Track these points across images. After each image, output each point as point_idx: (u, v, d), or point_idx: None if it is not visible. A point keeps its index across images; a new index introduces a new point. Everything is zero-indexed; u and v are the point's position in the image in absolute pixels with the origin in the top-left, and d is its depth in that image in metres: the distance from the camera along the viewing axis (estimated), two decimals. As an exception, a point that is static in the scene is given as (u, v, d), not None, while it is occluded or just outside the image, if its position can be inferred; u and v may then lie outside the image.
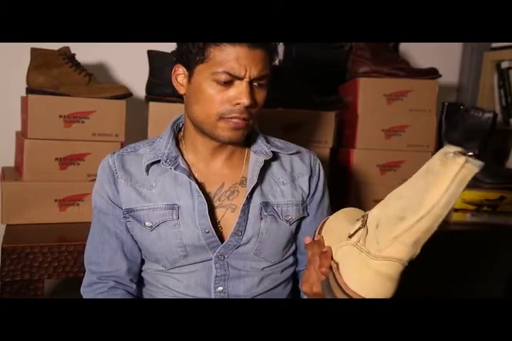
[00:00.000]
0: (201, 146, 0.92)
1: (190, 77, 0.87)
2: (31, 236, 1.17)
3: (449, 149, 0.60)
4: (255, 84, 0.85)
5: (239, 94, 0.83)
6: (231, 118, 0.84)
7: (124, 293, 0.92)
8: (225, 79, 0.82)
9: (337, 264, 0.70)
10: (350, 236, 0.70)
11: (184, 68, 0.88)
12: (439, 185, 0.59)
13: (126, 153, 0.95)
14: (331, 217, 0.82)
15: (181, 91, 0.90)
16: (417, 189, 0.62)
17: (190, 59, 0.85)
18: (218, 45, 0.81)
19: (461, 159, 0.57)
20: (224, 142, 0.89)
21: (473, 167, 0.57)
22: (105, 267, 0.92)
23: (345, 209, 0.84)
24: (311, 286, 0.74)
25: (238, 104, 0.83)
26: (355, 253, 0.68)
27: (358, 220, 0.71)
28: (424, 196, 0.60)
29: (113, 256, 0.92)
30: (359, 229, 0.69)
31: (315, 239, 0.78)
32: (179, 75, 0.89)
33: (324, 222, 0.82)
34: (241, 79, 0.83)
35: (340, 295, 0.67)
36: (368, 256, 0.65)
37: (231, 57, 0.81)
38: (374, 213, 0.69)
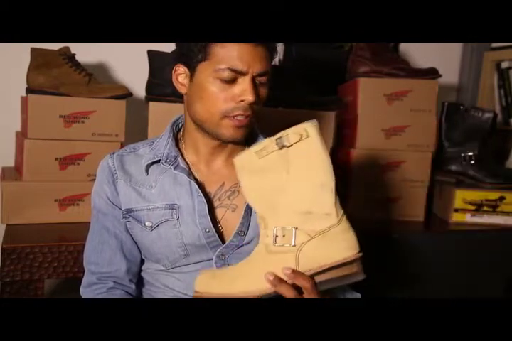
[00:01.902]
0: (202, 146, 0.92)
1: (192, 76, 0.86)
2: (31, 236, 1.17)
3: (263, 143, 0.75)
4: (257, 81, 0.85)
5: (243, 90, 0.82)
6: (235, 115, 0.84)
7: (123, 294, 0.92)
8: (228, 75, 0.82)
9: (312, 268, 0.74)
10: (293, 244, 0.74)
11: (185, 67, 0.87)
12: (320, 149, 0.73)
13: (126, 153, 0.95)
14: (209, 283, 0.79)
15: (182, 90, 0.89)
16: (298, 168, 0.74)
17: (192, 57, 0.84)
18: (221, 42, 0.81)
19: (312, 123, 0.75)
20: (226, 141, 0.88)
21: (313, 122, 0.75)
22: (104, 267, 0.92)
23: (202, 281, 0.80)
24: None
25: (243, 100, 0.83)
26: (319, 240, 0.73)
27: (276, 238, 0.74)
28: (323, 160, 0.73)
29: (112, 256, 0.92)
30: (295, 233, 0.74)
31: (271, 278, 0.74)
32: (180, 75, 0.89)
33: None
34: (244, 75, 0.82)
35: (347, 271, 0.74)
36: (333, 229, 0.74)
37: (234, 53, 0.81)
38: (285, 215, 0.75)
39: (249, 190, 0.77)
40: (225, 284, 0.77)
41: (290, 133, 0.73)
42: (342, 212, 0.75)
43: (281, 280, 0.74)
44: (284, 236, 0.74)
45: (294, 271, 0.73)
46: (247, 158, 0.76)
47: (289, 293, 0.74)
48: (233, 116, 0.84)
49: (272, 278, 0.74)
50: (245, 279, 0.76)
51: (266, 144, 0.75)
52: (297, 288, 0.74)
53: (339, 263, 0.73)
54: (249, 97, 0.82)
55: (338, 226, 0.74)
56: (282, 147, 0.73)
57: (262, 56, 0.83)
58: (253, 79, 0.83)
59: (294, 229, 0.74)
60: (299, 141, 0.73)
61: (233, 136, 0.86)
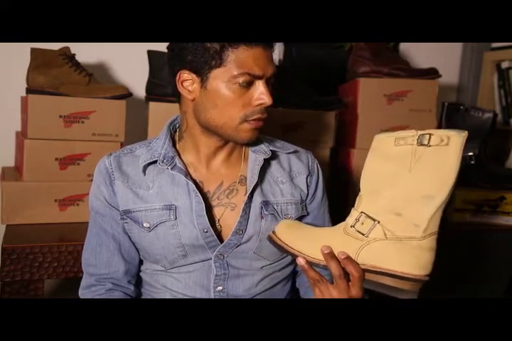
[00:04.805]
0: (203, 146, 0.92)
1: (203, 82, 0.85)
2: (31, 236, 1.17)
3: (406, 133, 0.74)
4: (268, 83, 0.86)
5: (260, 94, 0.84)
6: (254, 119, 0.85)
7: (121, 295, 0.92)
8: (245, 80, 0.83)
9: (366, 264, 0.75)
10: (366, 235, 0.74)
11: (193, 74, 0.86)
12: (451, 162, 0.71)
13: (123, 154, 0.94)
14: (283, 235, 0.83)
15: (190, 96, 0.88)
16: (419, 170, 0.72)
17: (203, 64, 0.84)
18: (236, 48, 0.82)
19: (459, 133, 0.71)
20: (242, 143, 0.90)
21: (462, 133, 0.71)
22: (103, 269, 0.92)
23: (281, 226, 0.85)
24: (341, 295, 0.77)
25: (261, 104, 0.85)
26: (390, 244, 0.73)
27: (356, 222, 0.75)
28: (445, 174, 0.71)
29: (110, 257, 0.92)
30: (374, 226, 0.74)
31: (325, 251, 0.77)
32: (185, 81, 0.87)
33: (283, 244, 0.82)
34: (260, 78, 0.84)
35: (398, 285, 0.73)
36: (411, 241, 0.72)
37: (250, 58, 0.82)
38: (379, 206, 0.74)
39: (368, 167, 0.78)
40: (291, 237, 0.80)
41: (434, 135, 0.72)
42: (435, 231, 0.73)
43: (333, 257, 0.76)
44: (362, 224, 0.75)
45: (347, 258, 0.75)
46: (386, 140, 0.77)
47: (336, 271, 0.76)
48: (252, 120, 0.85)
49: (326, 251, 0.76)
50: (308, 242, 0.79)
51: (408, 135, 0.74)
52: (346, 274, 0.76)
53: (395, 273, 0.73)
54: (267, 100, 0.84)
55: (419, 242, 0.72)
56: (420, 144, 0.73)
57: (271, 58, 0.86)
58: (266, 81, 0.85)
59: (375, 222, 0.74)
60: (437, 145, 0.71)
61: (251, 138, 0.88)
